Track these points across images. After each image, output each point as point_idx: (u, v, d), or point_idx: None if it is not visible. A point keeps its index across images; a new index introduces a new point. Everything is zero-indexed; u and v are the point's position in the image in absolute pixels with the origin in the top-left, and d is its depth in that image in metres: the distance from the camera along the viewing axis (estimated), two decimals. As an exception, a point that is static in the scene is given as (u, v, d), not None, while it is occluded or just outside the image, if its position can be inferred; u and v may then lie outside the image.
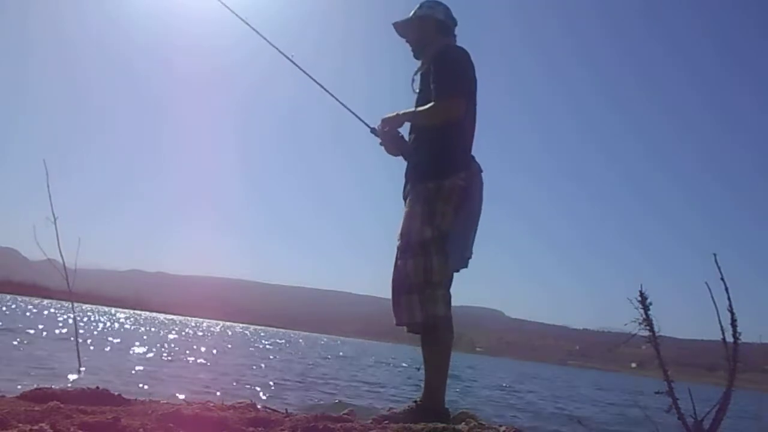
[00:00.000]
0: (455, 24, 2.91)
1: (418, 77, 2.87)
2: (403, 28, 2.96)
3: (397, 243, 2.68)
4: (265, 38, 3.28)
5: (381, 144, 2.91)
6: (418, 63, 2.92)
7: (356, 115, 3.02)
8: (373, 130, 2.94)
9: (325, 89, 3.16)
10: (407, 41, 2.95)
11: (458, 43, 2.89)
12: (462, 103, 2.62)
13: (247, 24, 3.29)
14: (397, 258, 2.67)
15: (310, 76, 3.17)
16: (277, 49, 3.23)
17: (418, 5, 2.92)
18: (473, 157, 2.78)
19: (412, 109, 2.79)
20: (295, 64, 3.18)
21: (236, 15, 3.31)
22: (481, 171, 2.78)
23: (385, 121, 2.84)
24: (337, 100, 3.10)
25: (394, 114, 2.83)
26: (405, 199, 2.78)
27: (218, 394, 5.33)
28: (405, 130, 2.91)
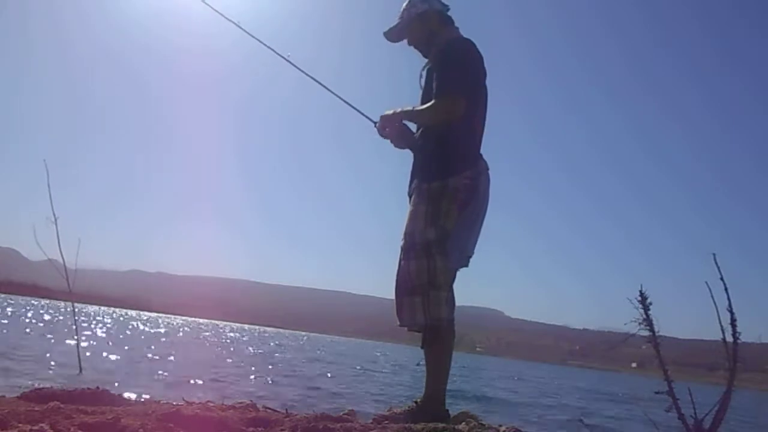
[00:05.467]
0: (448, 8, 2.83)
1: (425, 73, 2.79)
2: (399, 33, 2.86)
3: (401, 242, 2.65)
4: (259, 40, 3.20)
5: (386, 137, 2.83)
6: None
7: (358, 110, 2.96)
8: (377, 125, 2.89)
9: (324, 86, 3.11)
10: (410, 44, 2.86)
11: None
12: (461, 101, 2.55)
13: (240, 27, 3.21)
14: (400, 258, 2.64)
15: (307, 75, 3.11)
16: (272, 50, 3.17)
17: (406, 4, 2.82)
18: (481, 155, 2.74)
19: (411, 107, 2.72)
20: (291, 63, 3.13)
21: (228, 19, 3.22)
22: (488, 168, 2.74)
23: (384, 118, 2.76)
24: (337, 96, 3.04)
25: (392, 112, 2.75)
26: (410, 196, 2.74)
27: (218, 394, 5.33)
28: (411, 124, 2.85)
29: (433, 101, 2.60)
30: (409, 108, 2.73)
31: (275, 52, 3.19)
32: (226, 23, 3.26)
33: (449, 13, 2.85)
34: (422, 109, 2.66)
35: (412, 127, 2.83)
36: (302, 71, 3.15)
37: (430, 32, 2.80)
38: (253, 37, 3.25)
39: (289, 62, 3.15)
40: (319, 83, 3.14)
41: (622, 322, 2.09)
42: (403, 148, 2.84)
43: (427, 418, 2.37)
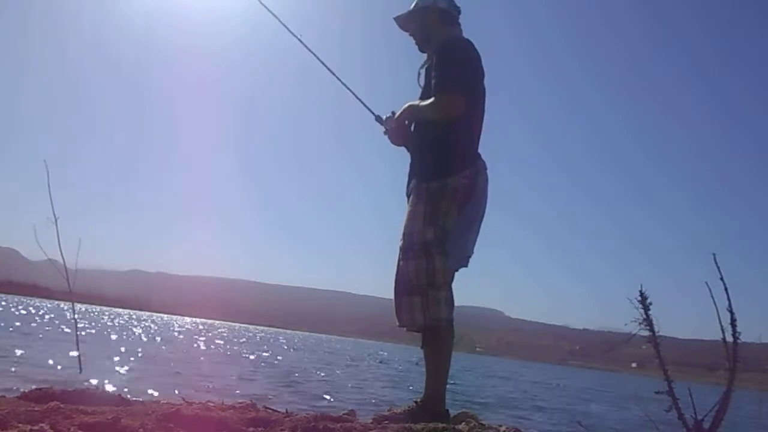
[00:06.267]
0: (459, 12, 2.83)
1: (423, 71, 2.80)
2: (404, 21, 2.89)
3: (400, 243, 2.65)
4: (275, 15, 3.20)
5: (385, 133, 2.85)
6: (424, 56, 2.85)
7: (362, 101, 2.97)
8: (377, 118, 2.89)
9: (332, 72, 3.09)
10: (410, 35, 2.88)
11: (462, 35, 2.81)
12: (461, 100, 2.56)
13: (262, 3, 3.22)
14: (399, 258, 2.64)
15: (318, 58, 3.11)
16: (286, 27, 3.17)
17: None
18: (479, 154, 2.74)
19: (413, 102, 2.74)
20: (303, 44, 3.13)
21: None
22: (486, 168, 2.74)
23: (391, 125, 2.78)
24: (343, 84, 3.04)
25: (396, 115, 2.77)
26: (408, 196, 2.74)
27: (218, 394, 5.33)
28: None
29: (433, 98, 2.60)
30: (415, 103, 2.74)
31: (289, 30, 3.16)
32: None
33: (460, 18, 2.84)
34: (423, 105, 2.67)
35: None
36: (313, 53, 3.14)
37: (428, 28, 2.81)
38: (271, 12, 3.21)
39: (302, 42, 3.14)
40: (328, 68, 3.10)
41: (622, 322, 2.10)
42: (400, 145, 2.85)
43: (427, 418, 2.37)
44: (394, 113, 2.83)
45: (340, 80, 3.08)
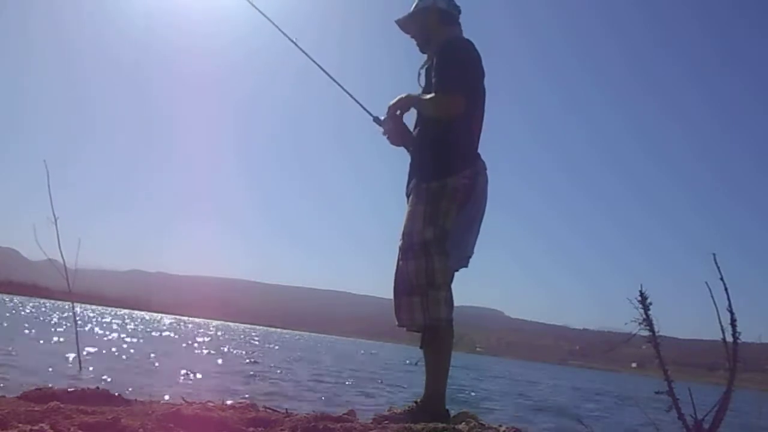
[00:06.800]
0: (459, 12, 2.84)
1: (423, 72, 2.81)
2: (405, 24, 2.90)
3: (399, 243, 2.66)
4: (269, 19, 3.22)
5: (384, 134, 2.86)
6: (424, 57, 2.86)
7: (360, 104, 2.98)
8: (376, 119, 2.89)
9: (328, 75, 3.11)
10: (411, 36, 2.89)
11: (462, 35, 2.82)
12: (461, 100, 2.57)
13: (254, 6, 3.23)
14: (399, 258, 2.65)
15: (314, 61, 3.12)
16: (281, 31, 3.17)
17: None
18: (479, 155, 2.75)
19: (412, 93, 2.75)
20: (299, 48, 3.14)
21: None
22: (486, 168, 2.75)
23: (390, 108, 2.79)
24: (341, 87, 3.05)
25: (399, 97, 2.78)
26: (408, 196, 2.75)
27: (218, 394, 5.33)
28: (410, 124, 2.86)
29: (434, 95, 2.61)
30: (414, 94, 2.75)
31: (284, 33, 3.16)
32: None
33: (460, 18, 2.85)
34: (426, 99, 2.68)
35: (409, 126, 2.84)
36: (311, 58, 3.13)
37: (428, 29, 2.81)
38: (267, 17, 3.21)
39: (298, 46, 3.14)
40: (326, 72, 3.12)
41: (622, 322, 2.09)
42: (399, 145, 2.85)
43: (427, 418, 2.37)
44: None
45: (336, 82, 3.09)
